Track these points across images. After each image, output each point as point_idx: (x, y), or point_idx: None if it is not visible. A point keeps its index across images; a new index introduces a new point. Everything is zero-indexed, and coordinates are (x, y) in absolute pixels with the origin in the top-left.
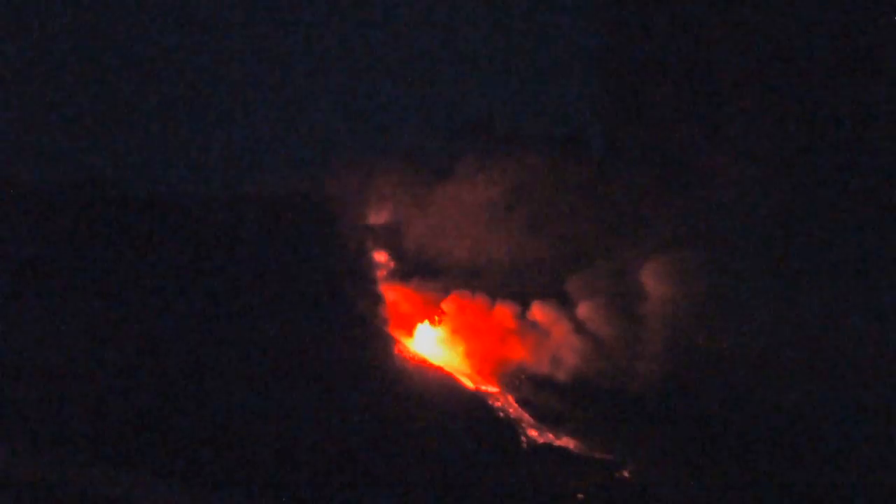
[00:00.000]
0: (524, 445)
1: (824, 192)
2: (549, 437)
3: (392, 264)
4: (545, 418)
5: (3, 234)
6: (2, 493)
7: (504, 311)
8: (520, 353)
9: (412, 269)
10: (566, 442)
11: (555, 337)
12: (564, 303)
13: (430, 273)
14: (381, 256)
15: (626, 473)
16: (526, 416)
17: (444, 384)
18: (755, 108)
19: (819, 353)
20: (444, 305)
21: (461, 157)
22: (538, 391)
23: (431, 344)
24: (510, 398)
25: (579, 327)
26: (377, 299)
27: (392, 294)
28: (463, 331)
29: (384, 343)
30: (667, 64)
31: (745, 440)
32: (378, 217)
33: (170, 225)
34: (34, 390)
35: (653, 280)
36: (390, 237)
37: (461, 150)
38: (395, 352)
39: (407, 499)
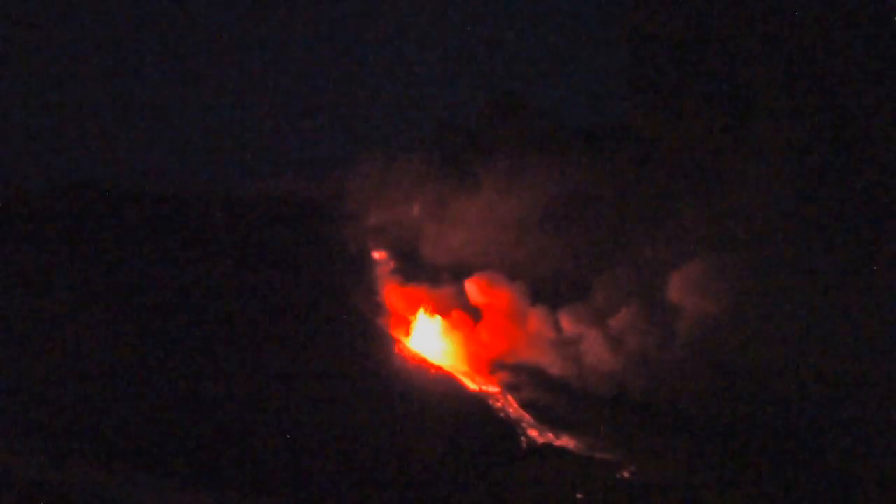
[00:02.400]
0: (524, 445)
1: (864, 198)
2: (549, 437)
3: (392, 264)
4: (545, 418)
5: (4, 234)
6: (2, 494)
7: (511, 308)
8: (523, 352)
9: (419, 268)
10: (566, 442)
11: (560, 338)
12: (572, 304)
13: (436, 273)
14: (380, 256)
15: (626, 473)
16: (526, 416)
17: (444, 384)
18: (793, 110)
19: (841, 359)
20: (469, 285)
21: (473, 155)
22: (539, 391)
23: (432, 341)
24: (510, 398)
25: (586, 329)
26: (377, 299)
27: (392, 294)
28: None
29: (384, 343)
30: (700, 65)
31: (746, 441)
32: (380, 216)
33: (170, 225)
34: (34, 390)
35: (670, 285)
36: (391, 237)
37: (473, 148)
38: (396, 352)
39: (407, 499)
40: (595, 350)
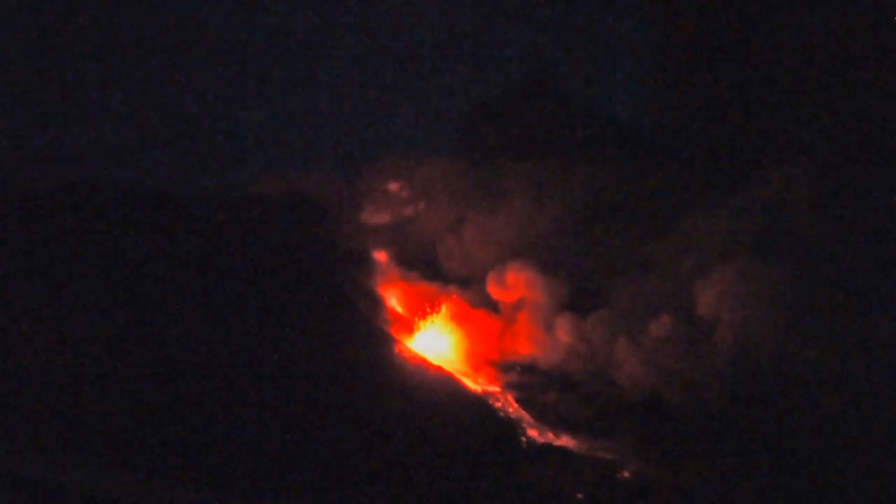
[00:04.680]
0: (524, 445)
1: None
2: (549, 436)
3: (393, 264)
4: (545, 418)
5: (4, 235)
6: (2, 494)
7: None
8: (529, 352)
9: (421, 267)
10: (566, 442)
11: (569, 340)
12: (575, 305)
13: (437, 272)
14: (381, 256)
15: (626, 473)
16: (526, 416)
17: (444, 384)
18: (827, 111)
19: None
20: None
21: (494, 155)
22: (539, 391)
23: (433, 341)
24: (510, 398)
25: (588, 329)
26: (377, 299)
27: (393, 294)
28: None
29: (384, 343)
30: (731, 66)
31: (747, 441)
32: (383, 215)
33: (168, 224)
34: (35, 390)
35: (696, 292)
36: (395, 235)
37: (479, 144)
38: (396, 352)
39: (407, 499)
40: (598, 351)
